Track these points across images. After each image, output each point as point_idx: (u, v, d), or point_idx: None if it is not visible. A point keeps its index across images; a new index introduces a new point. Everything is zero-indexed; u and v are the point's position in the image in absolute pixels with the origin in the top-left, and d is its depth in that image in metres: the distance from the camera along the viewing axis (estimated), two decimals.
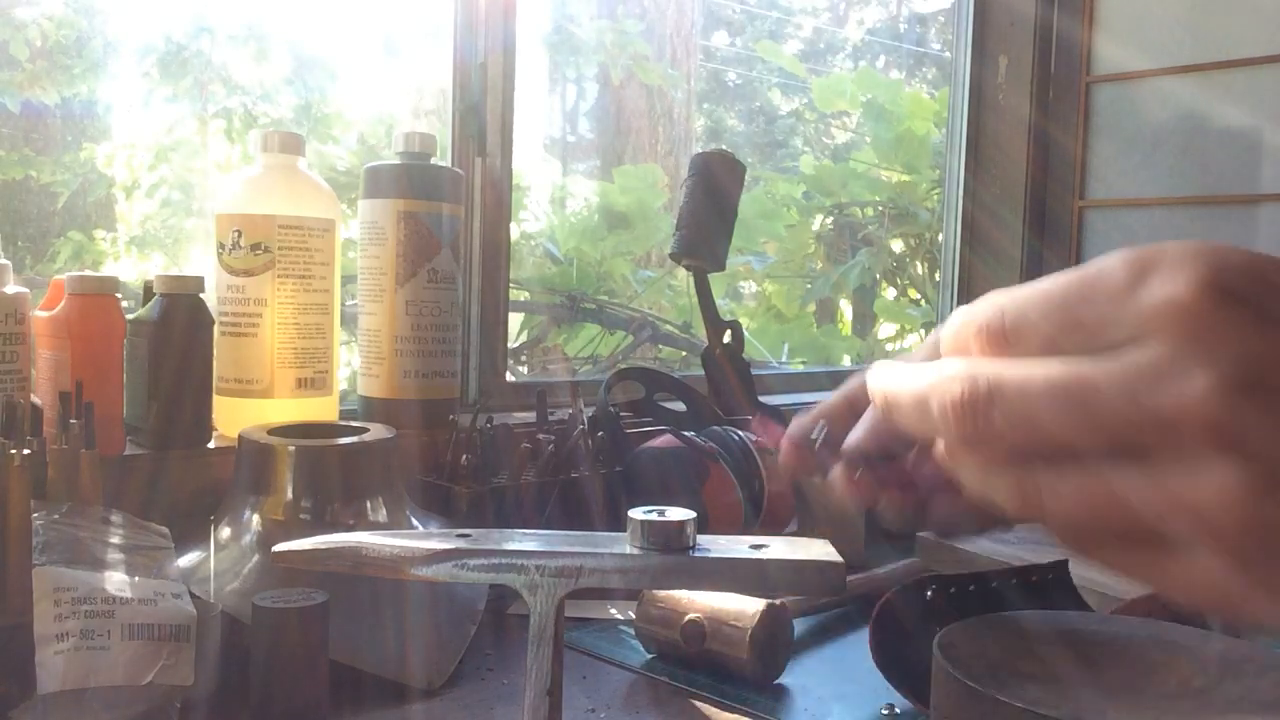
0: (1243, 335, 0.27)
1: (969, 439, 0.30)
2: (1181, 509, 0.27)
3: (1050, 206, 1.77)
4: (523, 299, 2.78)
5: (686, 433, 1.09)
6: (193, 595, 0.70)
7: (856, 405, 0.41)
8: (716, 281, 1.33)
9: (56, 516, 0.71)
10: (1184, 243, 0.28)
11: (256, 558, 0.77)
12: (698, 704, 0.73)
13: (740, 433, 1.11)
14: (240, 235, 0.96)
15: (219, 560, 0.78)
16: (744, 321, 2.03)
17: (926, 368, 0.32)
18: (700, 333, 1.51)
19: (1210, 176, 1.61)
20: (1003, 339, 0.30)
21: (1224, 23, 1.58)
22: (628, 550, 0.53)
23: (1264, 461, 0.26)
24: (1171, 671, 0.47)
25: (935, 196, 3.38)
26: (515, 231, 2.89)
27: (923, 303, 3.52)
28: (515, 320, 2.73)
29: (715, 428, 1.12)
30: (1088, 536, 0.29)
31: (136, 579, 0.68)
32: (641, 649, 0.82)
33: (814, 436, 0.42)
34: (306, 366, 0.99)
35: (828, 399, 0.44)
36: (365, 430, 0.87)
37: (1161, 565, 0.28)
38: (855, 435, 0.39)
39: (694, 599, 0.78)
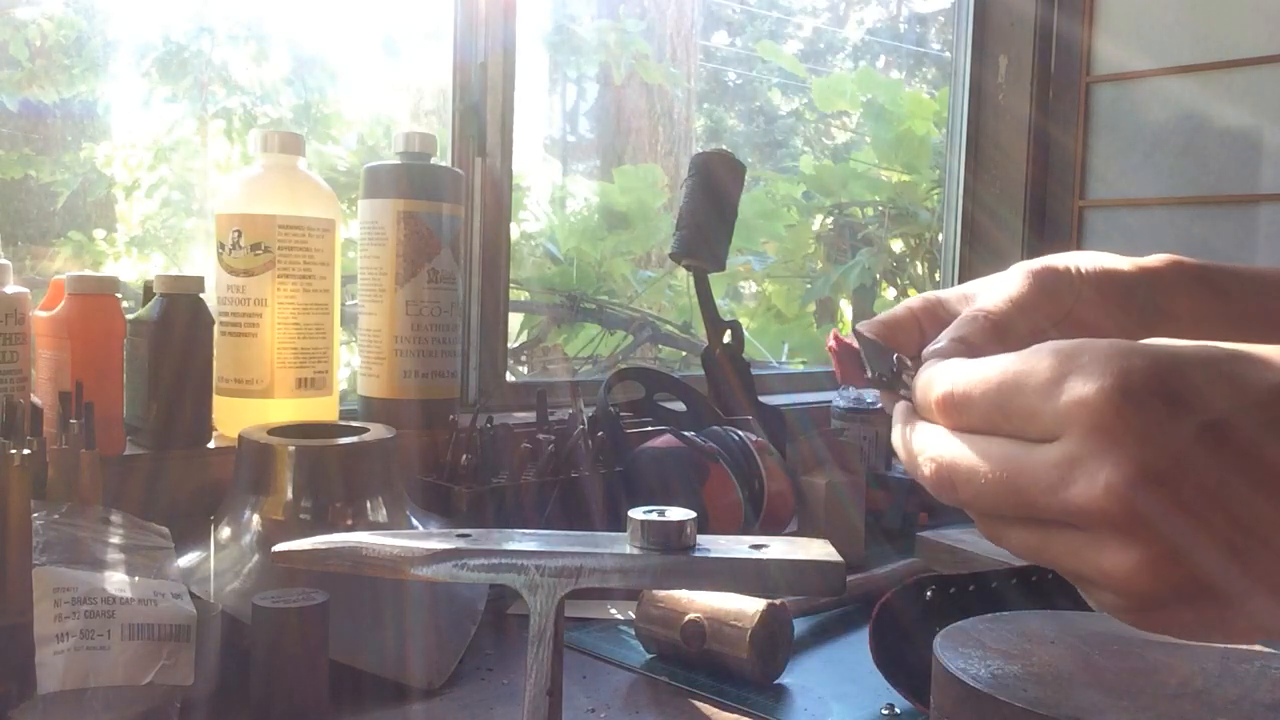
0: (1139, 435, 0.31)
1: (944, 501, 0.38)
2: (1095, 570, 0.33)
3: (1050, 206, 1.78)
4: (523, 299, 2.78)
5: (686, 433, 1.09)
6: (193, 595, 0.70)
7: (920, 320, 0.49)
8: (716, 281, 1.33)
9: (56, 516, 0.71)
10: (1103, 344, 0.33)
11: (256, 558, 0.77)
12: (698, 704, 0.73)
13: (740, 433, 1.11)
14: (240, 235, 0.96)
15: (219, 560, 0.78)
16: (744, 321, 2.03)
17: (912, 436, 0.39)
18: (700, 333, 1.51)
19: (1210, 176, 1.61)
20: (954, 410, 0.37)
21: (1224, 23, 1.58)
22: (628, 550, 0.53)
23: (1157, 542, 0.31)
24: (1171, 671, 0.47)
25: (935, 196, 3.38)
26: (515, 231, 2.89)
27: None
28: (515, 320, 2.73)
29: (715, 428, 1.12)
30: (1037, 563, 0.37)
31: (136, 579, 0.68)
32: (641, 649, 0.82)
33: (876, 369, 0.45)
34: (306, 366, 0.99)
35: (893, 312, 0.50)
36: (365, 430, 0.87)
37: (1087, 591, 0.35)
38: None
39: (694, 599, 0.78)
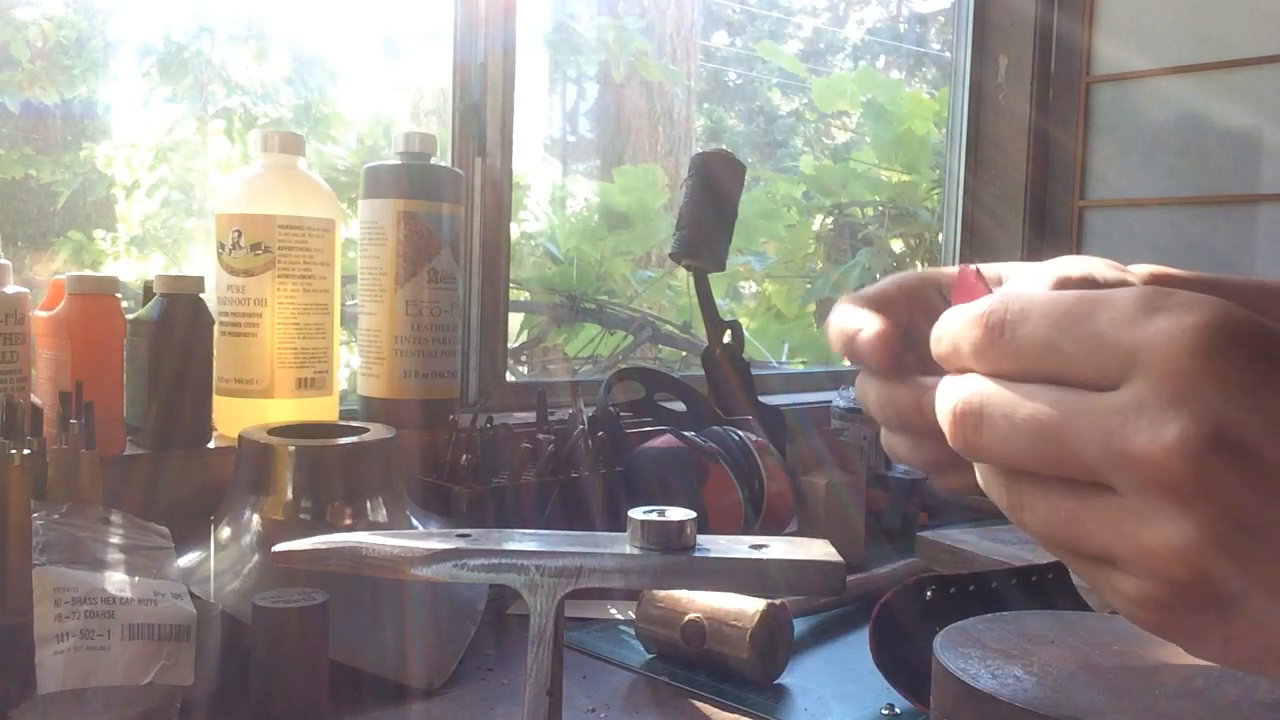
0: (1226, 391, 0.27)
1: (960, 450, 0.32)
2: (1133, 547, 0.28)
3: (1050, 206, 1.78)
4: (523, 299, 2.78)
5: (686, 433, 1.09)
6: (193, 595, 0.70)
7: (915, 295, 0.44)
8: (716, 281, 1.33)
9: (56, 516, 0.71)
10: (1203, 296, 0.28)
11: (256, 558, 0.77)
12: (698, 704, 0.73)
13: (740, 433, 1.11)
14: (240, 235, 0.96)
15: (219, 560, 0.78)
16: (744, 321, 2.03)
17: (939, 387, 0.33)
18: (700, 333, 1.51)
19: (1210, 176, 1.61)
20: (1000, 330, 0.31)
21: (1224, 23, 1.58)
22: (628, 550, 0.53)
23: (1222, 521, 0.27)
24: (1171, 672, 0.47)
25: (935, 196, 3.38)
26: (515, 231, 2.89)
27: None
28: (515, 320, 2.73)
29: (715, 428, 1.12)
30: (1057, 547, 0.31)
31: (136, 579, 0.68)
32: (641, 649, 0.82)
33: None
34: (306, 366, 0.99)
35: (880, 287, 0.44)
36: (365, 430, 0.87)
37: (1110, 581, 0.30)
38: None
39: (694, 599, 0.79)
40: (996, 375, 0.31)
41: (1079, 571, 0.31)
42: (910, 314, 0.43)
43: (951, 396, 0.32)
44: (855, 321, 0.40)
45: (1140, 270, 0.47)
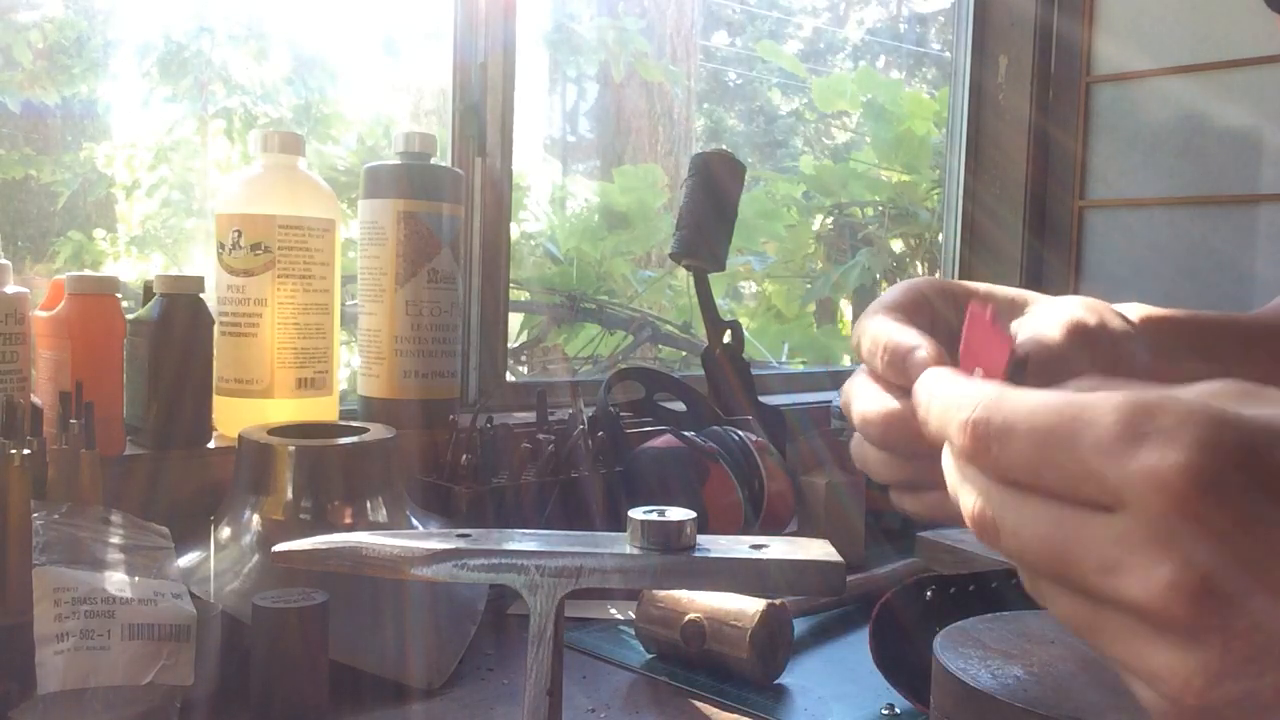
0: (1213, 538, 0.26)
1: (986, 545, 0.32)
2: (1144, 668, 0.28)
3: (1050, 206, 1.78)
4: (523, 299, 2.78)
5: (686, 433, 1.09)
6: (193, 595, 0.70)
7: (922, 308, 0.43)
8: (716, 281, 1.33)
9: (56, 516, 0.71)
10: (1186, 404, 0.27)
11: (256, 558, 0.77)
12: (698, 704, 0.73)
13: (740, 433, 1.11)
14: (240, 235, 0.96)
15: (219, 560, 0.78)
16: (744, 321, 2.03)
17: (950, 478, 0.33)
18: (700, 333, 1.51)
19: (1210, 176, 1.61)
20: (986, 444, 0.31)
21: (1224, 23, 1.58)
22: (628, 550, 0.53)
23: (1225, 655, 0.27)
24: None
25: (935, 196, 3.38)
26: (515, 231, 2.89)
27: None
28: (515, 320, 2.73)
29: (715, 428, 1.12)
30: (1078, 636, 0.32)
31: (136, 579, 0.68)
32: (641, 649, 0.82)
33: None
34: (306, 366, 0.99)
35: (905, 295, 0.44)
36: (365, 430, 0.87)
37: (1132, 685, 0.30)
38: None
39: (694, 599, 0.78)
40: (990, 469, 0.31)
41: (1112, 667, 0.32)
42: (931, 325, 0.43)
43: (968, 501, 0.32)
44: (907, 337, 0.39)
45: (1133, 313, 0.46)
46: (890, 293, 0.45)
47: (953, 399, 0.32)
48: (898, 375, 0.39)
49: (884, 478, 0.41)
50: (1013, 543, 0.31)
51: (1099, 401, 0.28)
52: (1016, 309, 0.47)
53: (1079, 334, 0.42)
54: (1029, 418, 0.30)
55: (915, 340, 0.39)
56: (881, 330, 0.40)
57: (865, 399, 0.40)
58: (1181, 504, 0.26)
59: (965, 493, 0.32)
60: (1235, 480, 0.26)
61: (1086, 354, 0.42)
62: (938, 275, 1.96)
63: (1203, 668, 0.27)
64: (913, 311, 0.43)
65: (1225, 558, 0.26)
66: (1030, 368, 0.40)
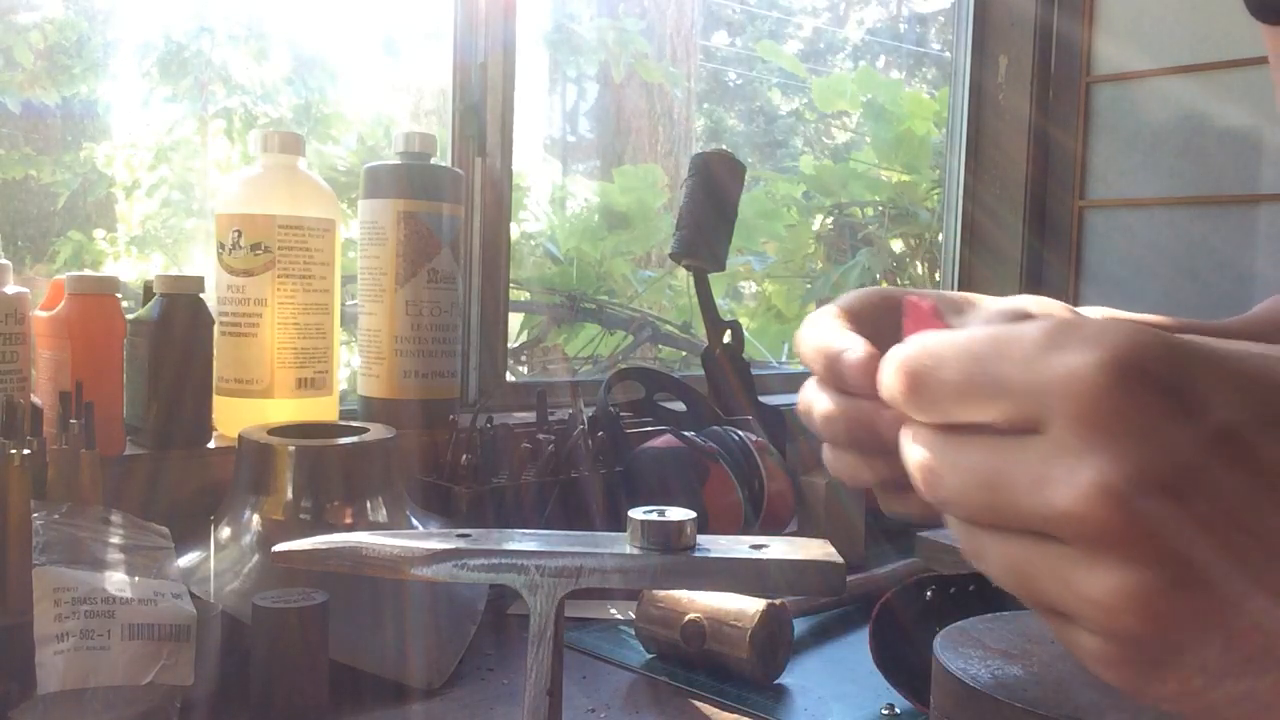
0: (1135, 432, 0.26)
1: (937, 505, 0.31)
2: (1081, 600, 0.27)
3: (1050, 206, 1.78)
4: (523, 299, 2.78)
5: (686, 433, 1.09)
6: (193, 595, 0.70)
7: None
8: (716, 281, 1.33)
9: (56, 516, 0.71)
10: (1107, 320, 0.27)
11: (256, 558, 0.77)
12: (698, 704, 0.73)
13: (740, 433, 1.11)
14: (240, 235, 0.96)
15: (219, 560, 0.78)
16: (744, 321, 2.03)
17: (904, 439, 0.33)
18: (700, 333, 1.51)
19: (1210, 176, 1.61)
20: (921, 381, 0.31)
21: (1224, 23, 1.58)
22: (628, 550, 0.53)
23: (1157, 566, 0.26)
24: None
25: (935, 196, 3.38)
26: (515, 231, 2.89)
27: None
28: (515, 320, 2.73)
29: (715, 428, 1.12)
30: (1021, 598, 0.30)
31: (136, 579, 0.68)
32: (641, 649, 0.82)
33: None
34: (306, 366, 0.99)
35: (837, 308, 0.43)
36: (365, 430, 0.87)
37: (1072, 638, 0.29)
38: None
39: (694, 599, 0.78)
40: (938, 426, 0.31)
41: (1048, 624, 0.30)
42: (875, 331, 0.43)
43: (912, 456, 0.32)
44: (839, 340, 0.39)
45: (1094, 315, 0.46)
46: (838, 300, 0.45)
47: (892, 354, 0.32)
48: (835, 379, 0.39)
49: (862, 480, 0.41)
50: (951, 484, 0.30)
51: (1023, 325, 0.29)
52: (967, 308, 0.47)
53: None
54: (956, 346, 0.30)
55: (846, 342, 0.39)
56: (814, 336, 0.41)
57: (822, 402, 0.40)
58: (1102, 400, 0.26)
59: (910, 450, 0.32)
60: (1152, 374, 0.26)
61: None
62: (938, 275, 1.96)
63: (1138, 582, 0.26)
64: (857, 312, 0.43)
65: (1150, 454, 0.25)
66: None
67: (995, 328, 0.29)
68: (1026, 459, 0.28)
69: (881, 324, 0.43)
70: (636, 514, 0.53)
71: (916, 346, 0.31)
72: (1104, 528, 0.26)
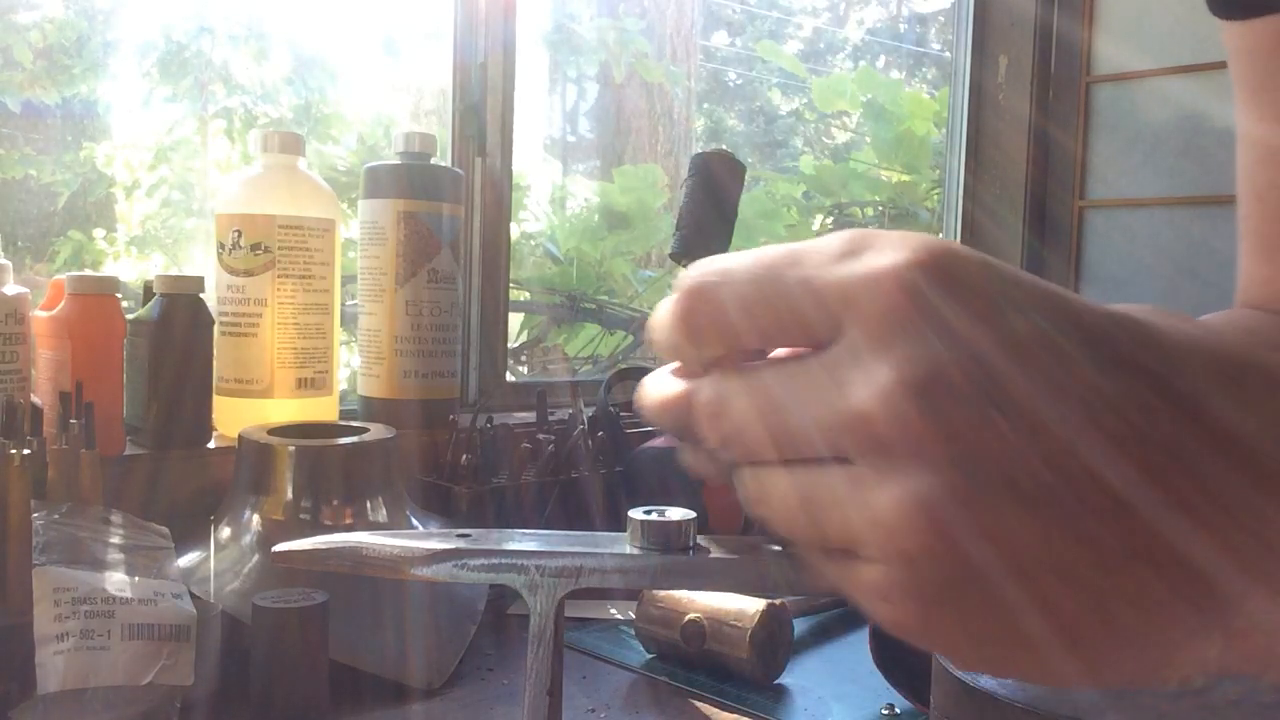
0: (939, 328, 0.24)
1: (719, 447, 0.29)
2: (864, 519, 0.25)
3: (1050, 206, 1.77)
4: (523, 299, 2.78)
5: None
6: (193, 595, 0.70)
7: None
8: None
9: (56, 516, 0.71)
10: (911, 234, 0.26)
11: (256, 558, 0.77)
12: (698, 704, 0.73)
13: None
14: (240, 235, 0.96)
15: (219, 560, 0.78)
16: None
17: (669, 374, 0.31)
18: None
19: (1210, 176, 1.61)
20: (703, 296, 0.28)
21: None
22: (628, 550, 0.53)
23: (944, 473, 0.24)
24: None
25: (935, 196, 3.38)
26: (515, 231, 2.89)
27: None
28: (515, 320, 2.73)
29: None
30: (799, 539, 0.28)
31: (136, 579, 0.68)
32: (641, 649, 0.82)
33: None
34: (306, 366, 0.99)
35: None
36: (365, 430, 0.87)
37: (853, 575, 0.26)
38: None
39: (694, 599, 0.78)
40: (723, 359, 0.29)
41: (826, 571, 0.28)
42: None
43: (697, 394, 0.29)
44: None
45: None
46: None
47: (676, 282, 0.30)
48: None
49: (715, 477, 0.37)
50: (738, 412, 0.28)
51: (821, 238, 0.27)
52: None
53: None
54: (750, 258, 0.28)
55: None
56: (654, 389, 0.36)
57: (652, 387, 0.36)
58: (903, 294, 0.24)
59: (696, 389, 0.29)
60: (958, 274, 0.24)
61: None
62: None
63: (926, 489, 0.24)
64: None
65: (949, 353, 0.24)
66: None
67: (785, 245, 0.27)
68: (815, 371, 0.26)
69: None
70: (636, 514, 0.53)
71: (703, 265, 0.28)
72: (897, 427, 0.24)
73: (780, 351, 0.29)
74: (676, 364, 0.33)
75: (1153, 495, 0.24)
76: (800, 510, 0.27)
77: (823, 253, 0.26)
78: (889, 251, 0.25)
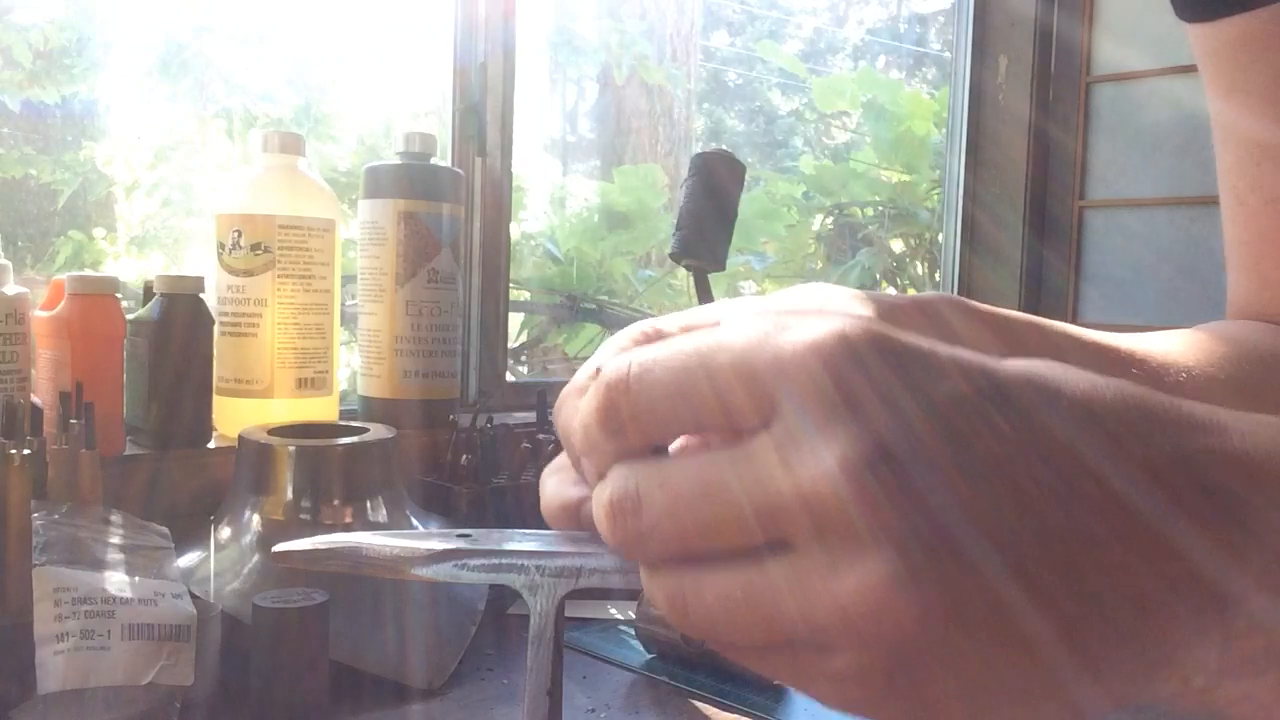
0: (876, 403, 0.23)
1: (623, 547, 0.28)
2: (827, 608, 0.24)
3: (1050, 206, 1.77)
4: (523, 299, 2.78)
5: None
6: (193, 595, 0.70)
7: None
8: (716, 281, 1.33)
9: (56, 516, 0.71)
10: (825, 294, 0.25)
11: (256, 558, 0.77)
12: (698, 704, 0.73)
13: None
14: (240, 235, 0.96)
15: (219, 560, 0.78)
16: None
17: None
18: None
19: (1210, 176, 1.60)
20: (624, 388, 0.27)
21: None
22: None
23: (907, 551, 0.23)
24: None
25: (935, 196, 3.38)
26: (515, 231, 2.89)
27: None
28: (515, 320, 2.73)
29: None
30: (741, 639, 0.26)
31: (136, 579, 0.68)
32: (641, 649, 0.82)
33: None
34: (306, 366, 0.99)
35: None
36: (365, 430, 0.87)
37: (817, 668, 0.25)
38: None
39: None
40: (644, 453, 0.27)
41: (776, 671, 0.26)
42: None
43: (604, 492, 0.27)
44: (577, 490, 0.34)
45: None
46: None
47: (583, 372, 0.28)
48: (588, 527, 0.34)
49: (621, 585, 0.35)
50: (656, 507, 0.26)
51: (740, 318, 0.26)
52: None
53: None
54: (668, 351, 0.26)
55: (583, 490, 0.33)
56: (552, 490, 0.35)
57: (551, 489, 0.35)
58: (838, 368, 0.24)
59: (601, 486, 0.28)
60: (887, 344, 0.24)
61: None
62: (938, 275, 1.96)
63: (890, 570, 0.23)
64: None
65: (889, 425, 0.23)
66: None
67: (702, 334, 0.26)
68: (752, 455, 0.25)
69: None
70: None
71: (620, 359, 0.27)
72: (849, 507, 0.23)
73: (680, 442, 0.28)
74: (570, 461, 0.31)
75: (1098, 553, 0.24)
76: (743, 607, 0.25)
77: (748, 333, 0.25)
78: (815, 326, 0.24)
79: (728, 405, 0.25)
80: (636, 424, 0.27)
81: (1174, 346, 0.44)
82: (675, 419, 0.26)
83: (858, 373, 0.24)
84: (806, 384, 0.24)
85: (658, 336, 0.32)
